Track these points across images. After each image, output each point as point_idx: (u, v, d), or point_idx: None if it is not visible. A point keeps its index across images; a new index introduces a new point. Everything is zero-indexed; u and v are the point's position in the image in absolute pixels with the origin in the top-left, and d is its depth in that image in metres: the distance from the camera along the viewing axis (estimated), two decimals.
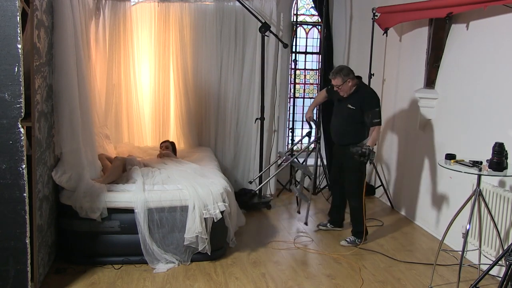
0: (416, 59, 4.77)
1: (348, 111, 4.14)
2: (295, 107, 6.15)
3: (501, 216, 3.57)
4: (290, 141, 5.96)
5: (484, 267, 3.45)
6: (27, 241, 2.86)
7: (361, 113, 4.09)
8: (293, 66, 6.07)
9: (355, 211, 4.32)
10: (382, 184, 5.53)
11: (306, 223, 4.63)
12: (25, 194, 2.82)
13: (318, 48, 6.30)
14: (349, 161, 4.12)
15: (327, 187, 5.80)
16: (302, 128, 6.40)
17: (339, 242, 4.33)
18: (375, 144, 4.10)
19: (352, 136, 4.18)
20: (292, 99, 6.18)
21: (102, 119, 5.01)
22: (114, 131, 5.34)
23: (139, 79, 5.35)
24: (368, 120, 4.04)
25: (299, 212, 4.90)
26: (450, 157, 3.43)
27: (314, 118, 4.67)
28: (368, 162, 3.98)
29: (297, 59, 6.07)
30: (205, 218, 3.71)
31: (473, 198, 3.32)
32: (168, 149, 4.92)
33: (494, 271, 3.55)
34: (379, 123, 4.06)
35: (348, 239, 4.33)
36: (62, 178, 3.58)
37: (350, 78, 4.06)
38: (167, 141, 5.12)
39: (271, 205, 5.31)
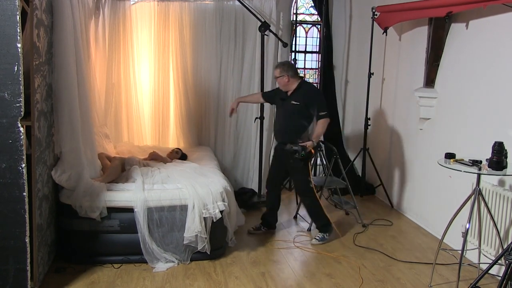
0: (416, 58, 4.76)
1: (292, 108, 4.18)
2: None
3: (500, 215, 3.57)
4: None
5: (484, 266, 3.46)
6: (27, 240, 2.86)
7: (306, 108, 4.15)
8: None
9: (312, 208, 4.35)
10: (381, 183, 5.53)
11: (309, 229, 4.65)
12: (24, 193, 2.83)
13: (317, 47, 6.30)
14: (292, 161, 4.14)
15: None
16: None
17: (311, 242, 4.31)
18: (319, 139, 4.20)
19: (295, 134, 4.19)
20: None
21: (101, 118, 5.01)
22: (113, 130, 5.34)
23: (138, 78, 5.35)
24: (315, 113, 4.14)
25: (295, 217, 4.96)
26: (449, 156, 3.43)
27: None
28: (304, 160, 4.05)
29: (297, 58, 6.07)
30: (204, 218, 3.71)
31: (472, 197, 3.32)
32: (177, 155, 4.91)
33: (493, 270, 3.56)
34: (326, 116, 4.14)
35: (317, 237, 4.33)
36: (61, 177, 3.57)
37: (288, 74, 4.15)
38: (180, 149, 5.04)
39: None
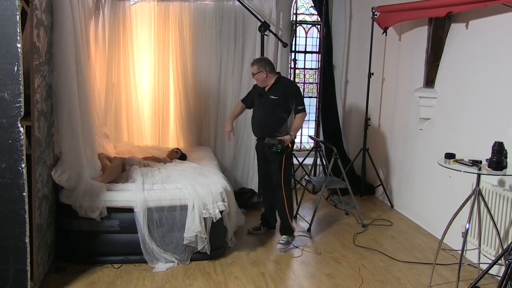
0: (416, 58, 4.77)
1: (271, 102, 4.18)
2: None
3: (500, 215, 3.57)
4: None
5: (484, 266, 3.46)
6: (27, 240, 2.86)
7: (285, 102, 4.15)
8: (292, 65, 6.07)
9: (284, 204, 4.22)
10: (381, 183, 5.53)
11: (309, 229, 4.64)
12: (24, 194, 2.83)
13: (317, 47, 6.30)
14: (276, 156, 4.13)
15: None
16: (301, 128, 6.40)
17: (276, 247, 4.17)
18: (297, 133, 4.25)
19: (274, 128, 4.18)
20: None
21: (101, 118, 5.01)
22: (113, 130, 5.34)
23: (138, 78, 5.35)
24: (293, 107, 4.17)
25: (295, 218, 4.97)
26: (449, 156, 3.44)
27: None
28: (281, 153, 4.06)
29: (296, 58, 6.07)
30: (204, 218, 3.71)
31: (472, 197, 3.32)
32: (177, 155, 4.91)
33: (493, 270, 3.56)
34: (304, 110, 4.19)
35: (282, 241, 4.20)
36: (61, 177, 3.57)
37: (266, 70, 4.15)
38: (179, 150, 5.05)
39: None
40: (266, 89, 4.23)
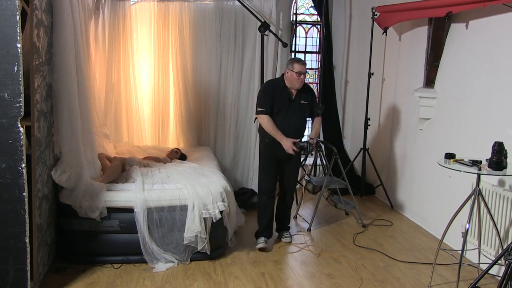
0: (416, 58, 4.77)
1: (303, 107, 4.18)
2: None
3: (500, 215, 3.57)
4: None
5: (484, 266, 3.46)
6: (27, 240, 2.87)
7: (310, 107, 4.22)
8: None
9: (291, 202, 4.48)
10: (381, 183, 5.53)
11: (309, 229, 4.65)
12: (24, 194, 2.83)
13: (317, 47, 6.30)
14: (296, 157, 4.21)
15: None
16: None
17: (288, 242, 4.31)
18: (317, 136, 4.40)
19: (303, 132, 4.26)
20: None
21: (101, 118, 5.01)
22: (113, 130, 5.34)
23: (138, 78, 5.35)
24: (315, 111, 4.24)
25: (295, 217, 4.98)
26: (449, 156, 3.43)
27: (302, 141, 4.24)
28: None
29: None
30: (204, 218, 3.71)
31: (472, 197, 3.32)
32: (177, 155, 4.92)
33: (493, 270, 3.56)
34: (321, 114, 4.31)
35: (287, 235, 4.39)
36: (61, 177, 3.57)
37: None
38: (179, 150, 5.05)
39: None
40: (294, 93, 4.12)
